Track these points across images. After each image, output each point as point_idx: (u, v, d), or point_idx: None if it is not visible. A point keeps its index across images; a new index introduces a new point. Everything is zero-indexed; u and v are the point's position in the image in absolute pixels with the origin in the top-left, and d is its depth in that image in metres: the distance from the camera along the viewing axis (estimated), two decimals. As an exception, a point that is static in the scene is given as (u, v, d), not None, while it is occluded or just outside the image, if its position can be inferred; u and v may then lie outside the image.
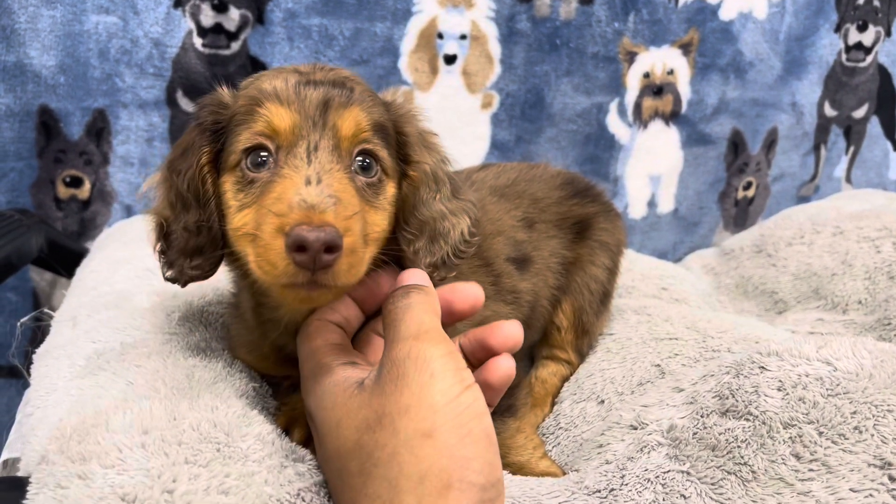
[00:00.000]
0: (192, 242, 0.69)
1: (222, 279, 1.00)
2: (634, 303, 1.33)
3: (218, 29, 1.40)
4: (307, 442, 0.68)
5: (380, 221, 0.67)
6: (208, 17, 1.38)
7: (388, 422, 0.54)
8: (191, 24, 1.38)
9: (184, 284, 0.72)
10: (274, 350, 0.76)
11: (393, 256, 0.70)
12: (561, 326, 1.07)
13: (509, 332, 0.68)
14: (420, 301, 0.61)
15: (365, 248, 0.63)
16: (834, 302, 1.34)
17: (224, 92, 0.71)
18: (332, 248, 0.56)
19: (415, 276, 0.65)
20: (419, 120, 0.76)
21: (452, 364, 0.57)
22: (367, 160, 0.66)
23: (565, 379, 1.08)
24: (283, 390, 0.79)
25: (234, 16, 1.39)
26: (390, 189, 0.69)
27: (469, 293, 0.68)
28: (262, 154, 0.64)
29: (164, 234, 0.72)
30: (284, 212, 0.58)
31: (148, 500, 0.52)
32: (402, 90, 1.52)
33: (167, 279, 0.73)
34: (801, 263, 1.44)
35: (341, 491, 0.56)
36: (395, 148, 0.70)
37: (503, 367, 0.66)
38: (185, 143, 0.72)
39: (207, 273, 0.71)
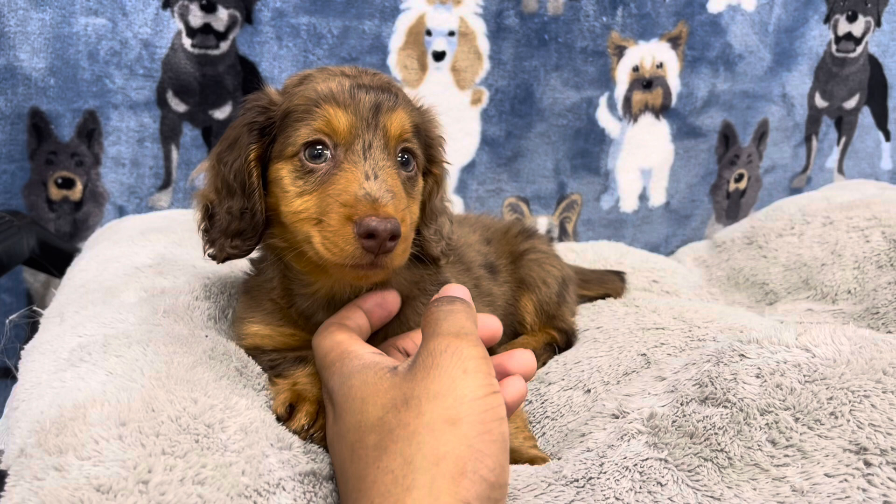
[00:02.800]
0: (235, 226, 0.78)
1: (211, 275, 1.02)
2: (625, 295, 1.34)
3: (207, 29, 1.41)
4: (314, 419, 0.72)
5: (415, 210, 0.78)
6: (197, 18, 1.39)
7: (414, 404, 0.56)
8: (180, 25, 1.39)
9: (221, 261, 0.80)
10: (302, 318, 0.82)
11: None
12: (525, 319, 1.14)
13: (525, 359, 0.73)
14: (464, 310, 0.66)
15: (410, 235, 0.73)
16: (823, 292, 1.34)
17: (272, 91, 0.80)
18: (395, 236, 0.66)
19: (458, 290, 0.71)
20: (441, 129, 0.86)
21: (485, 367, 0.60)
22: (407, 157, 0.76)
23: (548, 343, 1.12)
24: (286, 362, 0.81)
25: (222, 16, 1.40)
26: (421, 182, 0.80)
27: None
28: (319, 147, 0.73)
29: (208, 216, 0.81)
30: (352, 202, 0.67)
31: (122, 490, 0.52)
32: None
33: (208, 255, 0.81)
34: (791, 254, 1.44)
35: (350, 463, 0.58)
36: (424, 147, 0.80)
37: (518, 386, 0.70)
38: (231, 138, 0.80)
39: (244, 252, 0.80)
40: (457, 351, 0.59)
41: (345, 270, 0.69)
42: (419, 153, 0.77)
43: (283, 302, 0.83)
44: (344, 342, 0.69)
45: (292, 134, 0.74)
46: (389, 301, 0.78)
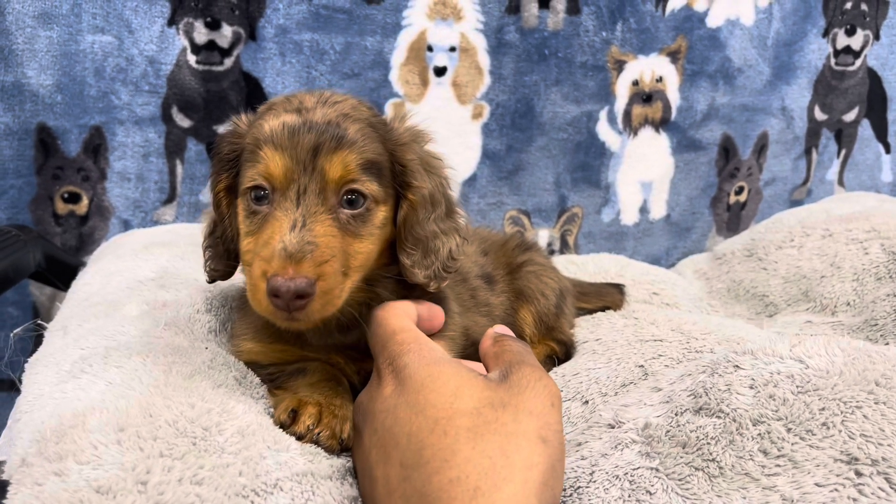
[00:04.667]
0: (214, 251, 0.85)
1: (212, 288, 1.03)
2: (624, 308, 1.35)
3: (211, 46, 1.43)
4: (318, 420, 0.74)
5: (365, 248, 0.76)
6: (201, 35, 1.42)
7: (512, 411, 0.62)
8: (184, 42, 1.41)
9: (209, 280, 0.87)
10: (292, 335, 0.83)
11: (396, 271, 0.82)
12: (524, 331, 1.14)
13: None
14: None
15: (347, 279, 0.73)
16: (823, 304, 1.34)
17: (241, 121, 0.81)
18: (302, 295, 0.67)
19: (506, 329, 0.78)
20: (423, 144, 0.84)
21: (560, 407, 0.68)
22: (354, 196, 0.75)
23: (548, 355, 1.13)
24: (285, 375, 0.82)
25: (226, 33, 1.43)
26: (380, 214, 0.78)
27: None
28: (262, 191, 0.74)
29: (210, 233, 0.86)
30: (268, 258, 0.68)
31: (122, 491, 0.54)
32: (390, 104, 1.55)
33: (206, 271, 0.87)
34: (790, 266, 1.44)
35: (430, 433, 0.60)
36: (392, 176, 0.79)
37: None
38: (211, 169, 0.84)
39: (224, 276, 0.86)
40: (548, 385, 0.66)
41: (270, 318, 0.72)
42: (373, 189, 0.75)
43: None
44: (415, 330, 0.73)
45: (243, 173, 0.76)
46: (437, 317, 0.83)
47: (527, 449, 0.59)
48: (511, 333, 0.78)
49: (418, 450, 0.59)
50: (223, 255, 0.84)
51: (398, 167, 0.79)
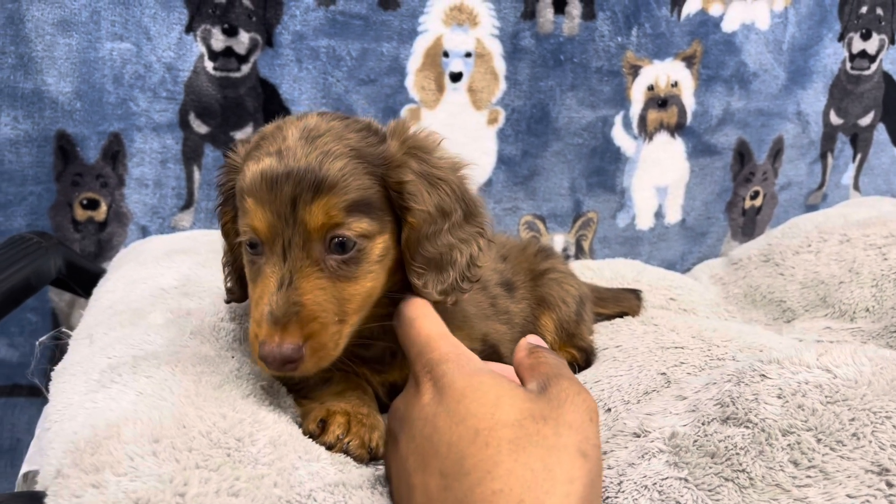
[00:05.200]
0: (228, 277, 0.87)
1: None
2: (642, 314, 1.35)
3: (228, 52, 1.43)
4: (348, 429, 0.74)
5: (360, 290, 0.74)
6: (219, 41, 1.42)
7: (552, 424, 0.61)
8: (202, 49, 1.42)
9: (227, 301, 0.89)
10: None
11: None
12: (545, 338, 1.13)
13: None
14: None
15: (342, 326, 0.73)
16: (841, 310, 1.34)
17: (237, 154, 0.80)
18: (289, 360, 0.68)
19: (539, 340, 0.77)
20: (428, 153, 0.79)
21: (598, 423, 0.67)
22: (342, 239, 0.72)
23: (569, 362, 1.11)
24: (310, 385, 0.83)
25: (243, 39, 1.43)
26: (376, 249, 0.75)
27: None
28: (254, 244, 0.74)
29: (226, 254, 0.88)
30: (259, 321, 0.70)
31: (160, 503, 0.54)
32: (406, 109, 1.55)
33: (225, 290, 0.89)
34: (808, 272, 1.44)
35: (471, 443, 0.60)
36: (389, 201, 0.76)
37: None
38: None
39: (239, 298, 0.88)
40: (586, 399, 0.66)
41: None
42: (362, 226, 0.72)
43: None
44: (450, 337, 0.72)
45: (239, 218, 0.77)
46: None
47: (568, 463, 0.59)
48: (545, 344, 0.77)
49: (459, 459, 0.59)
50: (237, 278, 0.85)
51: (394, 192, 0.75)
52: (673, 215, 1.78)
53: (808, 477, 0.69)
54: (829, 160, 1.89)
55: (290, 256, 0.70)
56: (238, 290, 0.87)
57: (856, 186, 1.94)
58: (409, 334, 0.74)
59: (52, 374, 0.87)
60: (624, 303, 1.34)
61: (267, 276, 0.71)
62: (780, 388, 0.77)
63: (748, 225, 1.86)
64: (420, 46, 1.53)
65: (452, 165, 0.82)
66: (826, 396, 0.75)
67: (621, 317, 1.31)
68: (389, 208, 0.76)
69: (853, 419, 0.72)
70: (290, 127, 0.75)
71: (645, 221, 1.76)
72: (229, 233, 0.82)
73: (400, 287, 0.80)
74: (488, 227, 0.83)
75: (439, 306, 0.78)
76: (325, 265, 0.72)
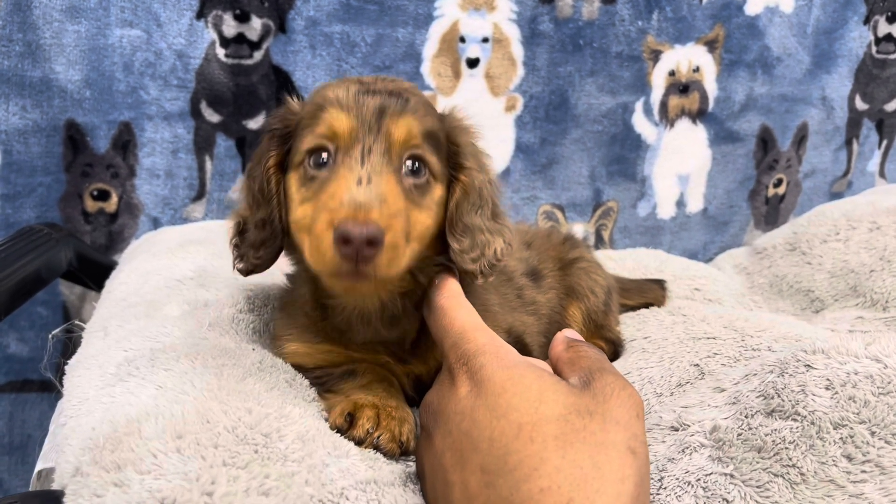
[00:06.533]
0: (259, 236, 0.78)
1: (253, 287, 1.00)
2: (667, 304, 1.31)
3: (240, 39, 1.40)
4: (377, 423, 0.71)
5: (424, 220, 0.73)
6: (230, 28, 1.39)
7: (599, 419, 0.59)
8: (213, 35, 1.38)
9: (246, 274, 0.81)
10: (337, 332, 0.81)
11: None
12: (572, 329, 1.09)
13: None
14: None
15: (407, 245, 0.69)
16: (873, 299, 1.30)
17: (293, 101, 0.80)
18: (373, 242, 0.63)
19: (576, 333, 0.75)
20: (473, 136, 0.82)
21: (644, 419, 0.64)
22: (417, 164, 0.73)
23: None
24: (334, 378, 0.80)
25: (255, 25, 1.40)
26: (438, 191, 0.75)
27: None
28: (323, 155, 0.72)
29: (240, 231, 0.81)
30: (335, 208, 0.65)
31: (188, 502, 0.51)
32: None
33: (238, 270, 0.82)
34: (837, 260, 1.40)
35: (515, 439, 0.57)
36: (447, 156, 0.77)
37: None
38: (258, 151, 0.80)
39: (268, 263, 0.80)
40: (632, 395, 0.63)
41: (332, 280, 0.71)
42: (433, 160, 0.74)
43: (317, 315, 0.82)
44: (486, 328, 0.70)
45: (299, 142, 0.74)
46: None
47: (617, 461, 0.56)
48: (581, 338, 0.74)
49: (502, 455, 0.56)
50: (270, 238, 0.78)
51: (452, 147, 0.78)
52: (695, 204, 1.74)
53: (864, 472, 0.65)
54: (855, 146, 1.85)
55: (368, 161, 0.69)
56: (266, 253, 0.79)
57: (881, 174, 1.90)
58: (441, 324, 0.72)
59: (66, 367, 0.84)
60: (649, 293, 1.30)
61: (342, 176, 0.68)
62: (829, 380, 0.74)
63: (771, 213, 1.82)
64: (436, 32, 1.49)
65: (491, 162, 0.85)
66: (878, 387, 0.71)
67: (646, 307, 1.27)
68: (446, 167, 0.77)
69: (908, 410, 0.68)
70: (358, 77, 0.77)
71: (666, 210, 1.72)
72: (271, 179, 0.77)
73: (421, 266, 0.78)
74: (509, 231, 0.84)
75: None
76: (402, 180, 0.71)
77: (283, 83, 1.44)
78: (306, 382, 0.79)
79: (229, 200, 1.45)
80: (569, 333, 0.74)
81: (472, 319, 0.71)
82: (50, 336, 0.99)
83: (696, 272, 1.47)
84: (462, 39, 1.51)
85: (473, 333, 0.68)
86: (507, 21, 1.52)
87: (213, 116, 1.43)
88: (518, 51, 1.54)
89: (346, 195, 0.65)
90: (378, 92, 0.72)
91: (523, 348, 0.90)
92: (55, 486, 0.61)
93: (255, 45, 1.41)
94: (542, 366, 0.71)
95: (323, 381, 0.80)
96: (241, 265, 0.81)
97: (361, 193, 0.65)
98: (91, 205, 1.39)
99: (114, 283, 1.07)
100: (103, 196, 1.39)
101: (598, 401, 0.61)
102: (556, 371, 0.69)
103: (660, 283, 1.34)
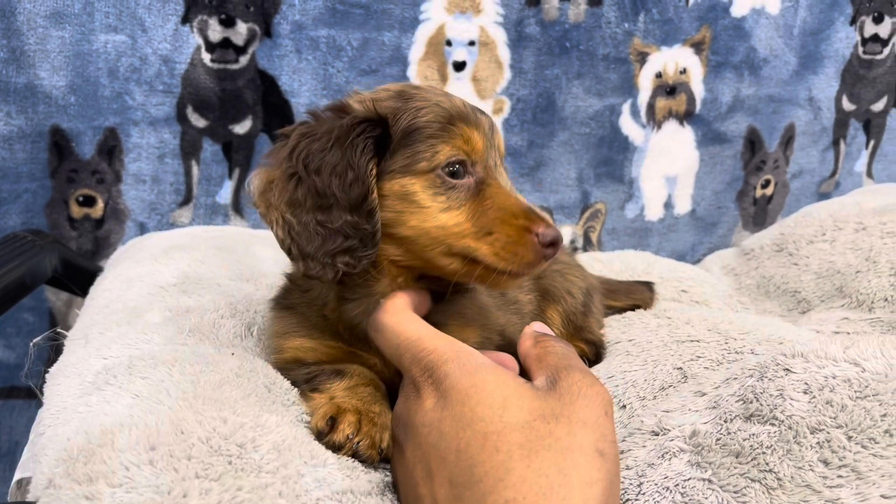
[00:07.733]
0: (345, 243, 0.74)
1: (235, 292, 1.00)
2: (655, 306, 1.31)
3: (226, 44, 1.40)
4: (358, 428, 0.70)
5: None
6: (216, 32, 1.39)
7: (565, 422, 0.59)
8: (199, 40, 1.38)
9: (333, 279, 0.76)
10: (347, 329, 0.82)
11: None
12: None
13: None
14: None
15: None
16: (859, 300, 1.30)
17: (360, 105, 0.78)
18: (556, 243, 0.73)
19: (545, 327, 0.76)
20: None
21: (613, 416, 0.64)
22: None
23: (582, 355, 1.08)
24: (323, 375, 0.79)
25: (241, 30, 1.40)
26: None
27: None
28: (458, 165, 0.76)
29: (289, 233, 0.76)
30: (523, 215, 0.73)
31: (158, 517, 0.51)
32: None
33: (310, 276, 0.76)
34: (823, 261, 1.40)
35: (481, 450, 0.57)
36: None
37: None
38: (320, 148, 0.76)
39: (358, 268, 0.75)
40: (600, 392, 0.63)
41: (499, 278, 0.74)
42: None
43: (334, 316, 0.82)
44: (441, 335, 0.69)
45: (426, 150, 0.75)
46: (424, 304, 0.80)
47: (584, 464, 0.56)
48: (551, 332, 0.74)
49: (469, 467, 0.56)
50: (360, 245, 0.74)
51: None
52: (682, 205, 1.74)
53: (840, 477, 0.65)
54: (842, 147, 1.85)
55: (499, 174, 0.77)
56: (358, 262, 0.75)
57: (869, 174, 1.90)
58: (391, 342, 0.70)
59: (47, 376, 0.84)
60: (636, 295, 1.30)
61: (498, 187, 0.75)
62: (807, 383, 0.74)
63: (759, 214, 1.82)
64: (422, 35, 1.49)
65: None
66: (856, 391, 0.71)
67: (633, 310, 1.27)
68: None
69: (885, 415, 0.68)
70: (417, 86, 0.83)
71: (654, 212, 1.72)
72: (373, 188, 0.74)
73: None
74: None
75: (457, 297, 0.81)
76: None
77: (269, 87, 1.44)
78: (286, 385, 0.79)
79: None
80: (537, 327, 0.74)
81: (424, 329, 0.70)
82: (31, 344, 0.99)
83: (684, 274, 1.47)
84: (448, 43, 1.51)
85: (430, 342, 0.67)
86: (493, 24, 1.52)
87: (199, 121, 1.42)
88: (505, 54, 1.54)
89: (523, 205, 0.74)
90: (475, 109, 0.80)
91: (513, 350, 0.90)
92: (30, 498, 0.61)
93: (240, 50, 1.41)
94: (509, 363, 0.70)
95: (312, 377, 0.80)
96: (317, 270, 0.75)
97: (528, 204, 0.75)
98: (77, 211, 1.39)
99: (97, 290, 1.07)
100: (89, 202, 1.39)
101: (565, 402, 0.60)
102: (525, 368, 0.69)
103: (648, 285, 1.34)
